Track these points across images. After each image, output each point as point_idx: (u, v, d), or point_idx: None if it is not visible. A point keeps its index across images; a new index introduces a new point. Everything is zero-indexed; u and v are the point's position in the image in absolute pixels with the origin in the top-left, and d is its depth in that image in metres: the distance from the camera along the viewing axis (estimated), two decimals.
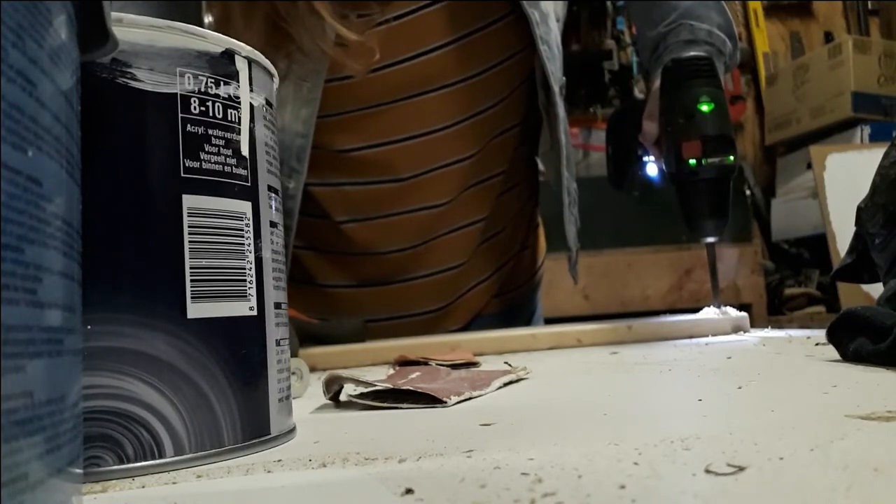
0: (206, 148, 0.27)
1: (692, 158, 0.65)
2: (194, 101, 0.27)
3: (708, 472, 0.19)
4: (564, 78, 0.79)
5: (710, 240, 0.69)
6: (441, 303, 0.79)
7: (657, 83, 0.70)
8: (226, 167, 0.28)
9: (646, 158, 0.78)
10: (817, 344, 0.49)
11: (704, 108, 0.65)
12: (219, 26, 0.69)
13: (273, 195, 0.31)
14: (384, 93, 0.71)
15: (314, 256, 0.78)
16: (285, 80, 0.69)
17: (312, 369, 0.59)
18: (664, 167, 0.70)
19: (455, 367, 0.51)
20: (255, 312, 0.28)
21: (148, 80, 0.26)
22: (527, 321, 0.89)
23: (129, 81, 0.26)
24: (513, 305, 0.87)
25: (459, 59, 0.72)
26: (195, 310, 0.26)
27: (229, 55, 0.29)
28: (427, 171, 0.74)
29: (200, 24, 0.71)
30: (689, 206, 0.68)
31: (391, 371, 0.50)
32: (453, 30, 0.71)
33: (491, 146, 0.77)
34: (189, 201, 0.26)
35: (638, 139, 0.75)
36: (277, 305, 0.30)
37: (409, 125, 0.72)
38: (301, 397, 0.44)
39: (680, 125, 0.66)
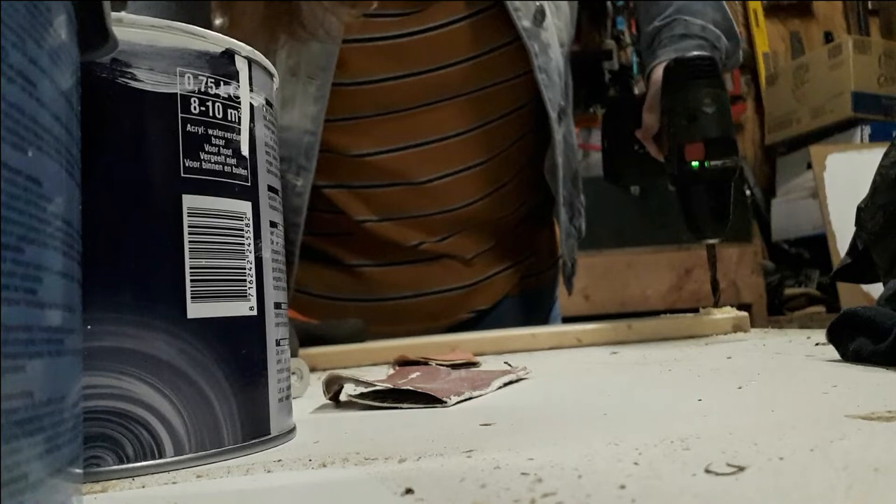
0: (206, 148, 0.27)
1: (695, 161, 0.65)
2: (194, 101, 0.27)
3: (708, 472, 0.19)
4: (564, 103, 0.80)
5: (711, 242, 0.68)
6: (467, 281, 0.80)
7: (655, 77, 0.70)
8: (226, 167, 0.28)
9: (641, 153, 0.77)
10: (817, 344, 0.49)
11: (708, 109, 0.65)
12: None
13: (273, 195, 0.31)
14: (402, 100, 0.73)
15: (337, 243, 0.79)
16: (293, 79, 0.70)
17: (312, 369, 0.59)
18: (665, 168, 0.70)
19: (455, 367, 0.51)
20: (255, 312, 0.28)
21: (148, 80, 0.26)
22: (548, 311, 0.91)
23: (129, 81, 0.26)
24: (537, 288, 0.88)
25: (474, 73, 0.73)
26: (195, 310, 0.26)
27: (229, 55, 0.29)
28: (442, 177, 0.75)
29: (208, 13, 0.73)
30: (690, 208, 0.68)
31: (391, 371, 0.50)
32: (475, 46, 0.72)
33: (504, 155, 0.79)
34: (189, 201, 0.26)
35: (634, 134, 0.75)
36: (277, 305, 0.30)
37: (422, 131, 0.74)
38: (301, 397, 0.44)
39: (683, 127, 0.66)
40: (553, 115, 0.75)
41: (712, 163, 0.65)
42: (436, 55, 0.72)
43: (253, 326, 0.28)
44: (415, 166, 0.74)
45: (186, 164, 0.27)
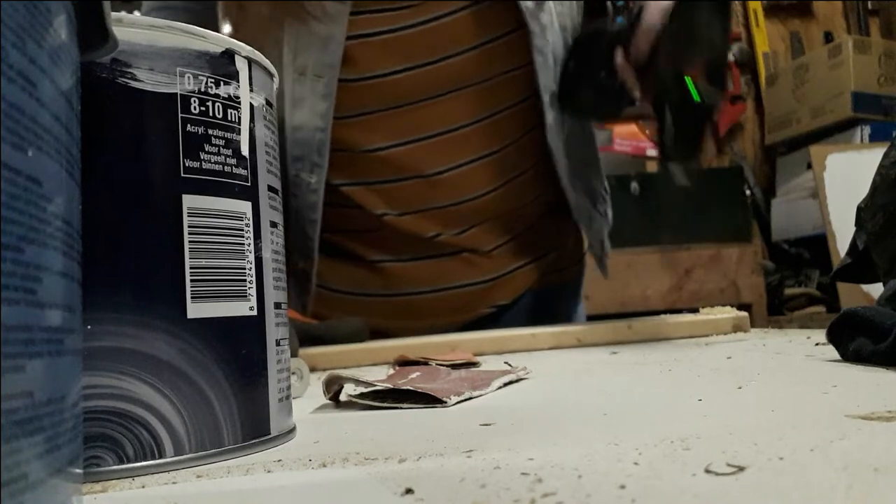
0: (206, 148, 0.27)
1: (693, 83, 0.65)
2: (194, 101, 0.27)
3: (708, 472, 0.19)
4: (556, 87, 0.79)
5: (683, 180, 0.69)
6: (488, 276, 0.81)
7: (652, 8, 0.68)
8: (226, 167, 0.28)
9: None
10: (817, 344, 0.49)
11: (714, 34, 0.65)
12: None
13: (273, 195, 0.31)
14: (408, 93, 0.73)
15: (358, 239, 0.79)
16: (302, 78, 0.71)
17: (312, 369, 0.59)
18: (656, 86, 0.69)
19: (455, 367, 0.51)
20: (255, 312, 0.28)
21: (148, 80, 0.26)
22: (572, 310, 0.90)
23: (129, 81, 0.26)
24: (560, 285, 0.88)
25: (478, 63, 0.74)
26: (195, 310, 0.26)
27: (229, 55, 0.29)
28: (453, 168, 0.76)
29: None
30: (675, 130, 0.68)
31: (391, 371, 0.50)
32: (478, 35, 0.73)
33: (516, 145, 0.79)
34: (189, 201, 0.26)
35: (612, 62, 0.73)
36: (277, 305, 0.30)
37: (429, 124, 0.74)
38: (301, 397, 0.44)
39: (684, 46, 0.66)
40: (545, 97, 0.75)
41: (707, 86, 0.65)
42: (439, 46, 0.72)
43: (253, 326, 0.28)
44: (424, 159, 0.75)
45: (186, 164, 0.27)
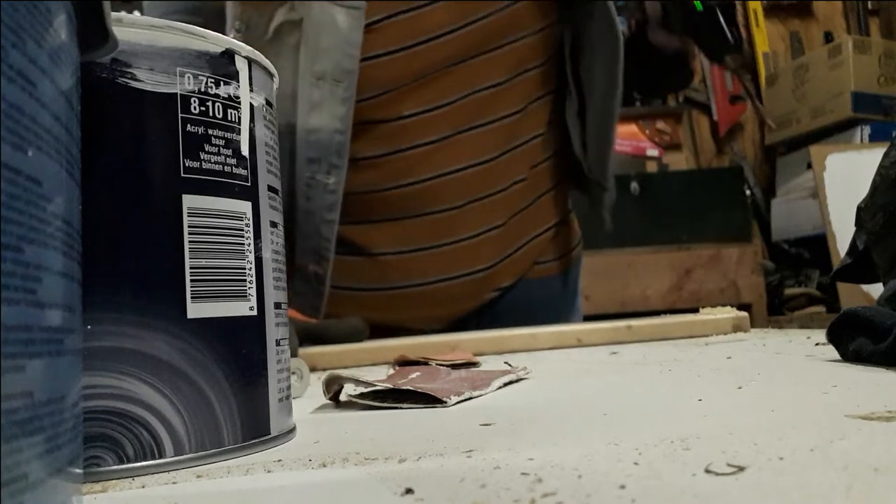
0: (206, 148, 0.27)
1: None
2: (194, 101, 0.27)
3: (708, 472, 0.19)
4: None
5: (733, 62, 0.78)
6: (489, 262, 0.81)
7: None
8: (226, 167, 0.28)
9: None
10: (817, 344, 0.49)
11: None
12: None
13: (273, 195, 0.31)
14: (443, 59, 0.74)
15: (362, 229, 0.79)
16: (320, 82, 0.71)
17: (312, 369, 0.59)
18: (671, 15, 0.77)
19: (455, 367, 0.51)
20: (255, 312, 0.28)
21: (148, 80, 0.26)
22: (572, 297, 0.91)
23: (129, 81, 0.26)
24: (556, 274, 0.89)
25: (503, 26, 0.75)
26: (195, 310, 0.26)
27: (229, 55, 0.29)
28: (468, 129, 0.76)
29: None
30: (708, 35, 0.77)
31: (391, 371, 0.50)
32: None
33: (531, 109, 0.81)
34: (189, 201, 0.26)
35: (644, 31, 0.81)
36: (277, 305, 0.30)
37: (461, 87, 0.75)
38: (301, 397, 0.44)
39: None
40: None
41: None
42: (461, 13, 0.73)
43: (253, 326, 0.28)
44: (446, 122, 0.76)
45: (186, 164, 0.27)
